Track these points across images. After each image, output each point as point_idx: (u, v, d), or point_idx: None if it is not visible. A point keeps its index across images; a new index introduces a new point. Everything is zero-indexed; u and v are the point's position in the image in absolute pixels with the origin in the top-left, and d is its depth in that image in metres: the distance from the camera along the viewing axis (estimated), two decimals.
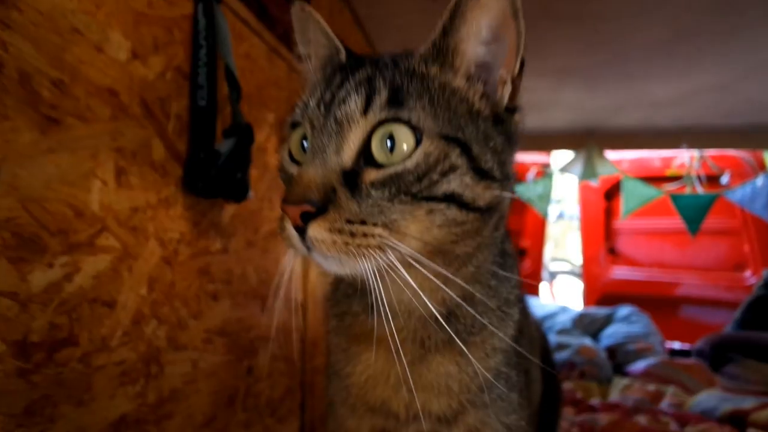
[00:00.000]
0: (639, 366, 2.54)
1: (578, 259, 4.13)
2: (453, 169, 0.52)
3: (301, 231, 0.51)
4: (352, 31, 1.75)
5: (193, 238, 0.87)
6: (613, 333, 2.98)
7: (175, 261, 0.82)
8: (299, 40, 0.67)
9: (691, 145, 3.14)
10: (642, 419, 1.86)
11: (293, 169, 0.58)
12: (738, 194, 3.02)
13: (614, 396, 2.22)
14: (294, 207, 0.50)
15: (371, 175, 0.52)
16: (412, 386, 0.63)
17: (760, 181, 2.97)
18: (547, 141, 3.28)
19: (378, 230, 0.50)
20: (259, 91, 1.10)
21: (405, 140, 0.52)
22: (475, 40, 0.56)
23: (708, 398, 2.05)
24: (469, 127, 0.55)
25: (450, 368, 0.64)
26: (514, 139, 0.60)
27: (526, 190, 3.32)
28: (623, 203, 3.22)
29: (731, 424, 1.85)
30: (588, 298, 4.08)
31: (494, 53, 0.57)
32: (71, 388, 0.63)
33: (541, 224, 4.09)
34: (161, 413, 0.79)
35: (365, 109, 0.52)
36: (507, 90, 0.59)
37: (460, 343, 0.60)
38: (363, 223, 0.50)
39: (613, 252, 4.09)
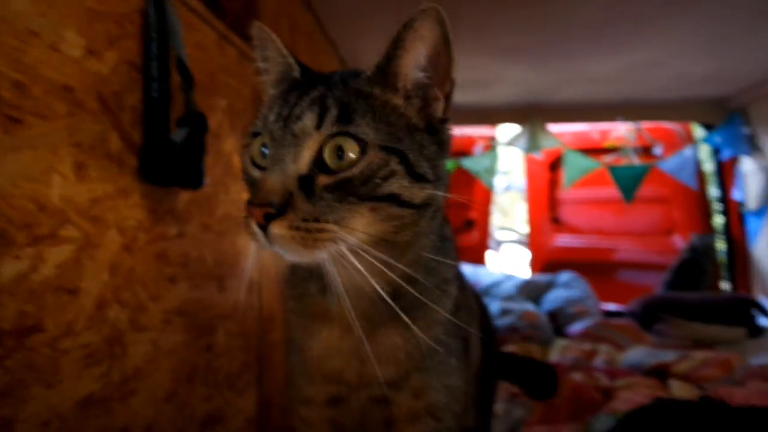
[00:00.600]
0: (576, 327, 2.74)
1: (524, 229, 4.32)
2: (393, 174, 0.62)
3: (264, 228, 0.59)
4: (301, 11, 1.77)
5: (151, 225, 0.91)
6: (554, 298, 3.18)
7: (134, 247, 0.86)
8: (258, 57, 0.76)
9: (627, 118, 3.32)
10: (578, 376, 2.04)
11: (256, 173, 0.66)
12: (669, 164, 3.24)
13: (554, 356, 2.39)
14: (258, 209, 0.59)
15: (324, 180, 0.61)
16: (370, 355, 0.70)
17: (688, 151, 3.19)
18: (493, 115, 3.39)
19: (330, 226, 0.60)
20: (211, 78, 1.13)
21: (352, 150, 0.61)
22: (413, 65, 0.66)
23: (636, 354, 2.25)
24: (407, 138, 0.64)
25: (396, 340, 0.74)
26: (446, 146, 0.71)
27: (473, 164, 3.43)
28: (565, 174, 3.39)
29: (655, 376, 2.05)
30: (534, 266, 4.29)
31: (429, 75, 0.67)
32: (41, 371, 0.68)
33: (487, 196, 4.23)
34: (125, 391, 0.84)
35: (318, 125, 0.62)
36: (440, 105, 0.69)
37: (405, 318, 0.68)
38: (317, 220, 0.59)
39: (556, 221, 4.30)
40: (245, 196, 1.24)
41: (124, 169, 0.84)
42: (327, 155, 0.61)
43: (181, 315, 0.99)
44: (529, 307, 2.97)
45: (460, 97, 2.89)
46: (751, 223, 3.10)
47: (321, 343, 0.75)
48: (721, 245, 3.46)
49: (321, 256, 0.61)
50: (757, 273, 3.29)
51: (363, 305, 0.71)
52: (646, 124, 3.55)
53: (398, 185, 0.62)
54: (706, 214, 3.63)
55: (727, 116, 3.14)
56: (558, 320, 2.95)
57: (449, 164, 3.47)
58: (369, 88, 0.66)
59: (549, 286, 3.38)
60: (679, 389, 1.85)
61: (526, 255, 4.33)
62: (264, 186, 0.60)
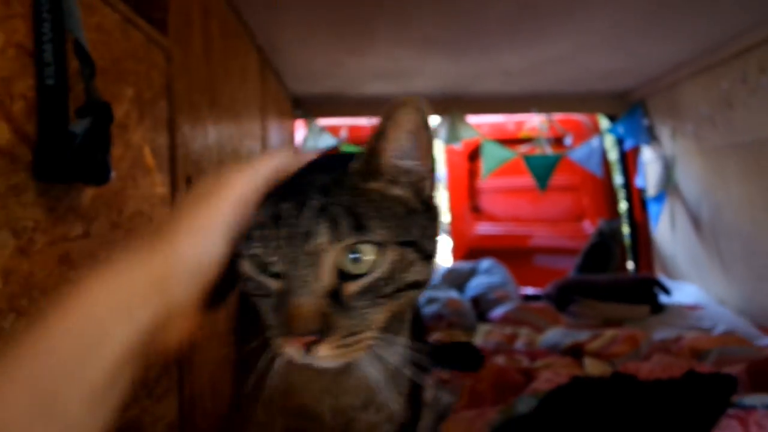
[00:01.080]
0: (498, 312, 2.84)
1: (446, 218, 4.43)
2: (411, 264, 0.63)
3: (308, 349, 0.58)
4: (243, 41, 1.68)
5: (50, 225, 0.83)
6: (476, 284, 3.28)
7: (30, 250, 0.78)
8: None
9: (540, 110, 3.48)
10: (500, 359, 2.12)
11: (269, 282, 0.62)
12: (578, 154, 3.43)
13: (478, 341, 2.47)
14: (301, 339, 0.58)
15: (350, 288, 0.60)
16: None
17: (595, 142, 3.40)
18: None
19: (367, 334, 0.61)
20: (115, 65, 1.04)
21: (370, 253, 0.60)
22: (399, 154, 0.65)
23: (553, 335, 2.37)
24: (412, 225, 0.65)
25: (370, 371, 0.76)
26: (438, 217, 0.72)
27: None
28: (483, 164, 3.50)
29: (571, 355, 2.17)
30: (456, 253, 4.41)
31: (415, 158, 0.67)
32: None
33: None
34: None
35: (333, 240, 0.59)
36: (428, 183, 0.70)
37: (383, 355, 0.72)
38: (354, 333, 0.60)
39: (476, 210, 4.44)
40: (159, 190, 1.16)
41: (17, 165, 0.76)
42: (346, 263, 0.60)
43: None
44: (453, 294, 3.05)
45: (380, 88, 2.92)
46: (652, 208, 3.35)
47: (287, 379, 0.75)
48: (625, 229, 3.71)
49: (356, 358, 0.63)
50: (657, 254, 3.57)
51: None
52: (557, 116, 3.74)
53: (416, 272, 0.64)
54: (613, 200, 3.89)
55: (628, 108, 3.37)
56: (480, 306, 3.05)
57: None
58: (364, 185, 0.64)
59: (471, 273, 3.49)
60: (592, 366, 1.97)
61: (448, 243, 4.44)
62: (299, 313, 0.58)
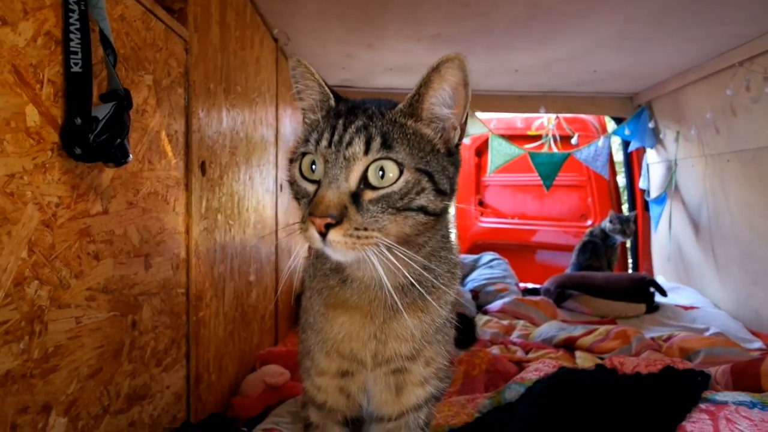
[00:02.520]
0: (497, 304, 2.90)
1: (452, 211, 4.49)
2: (423, 190, 0.78)
3: (323, 235, 0.73)
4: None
5: (72, 202, 0.90)
6: (477, 277, 3.35)
7: (54, 224, 0.85)
8: (296, 87, 0.90)
9: (548, 109, 3.52)
10: (495, 349, 2.18)
11: (308, 186, 0.80)
12: (584, 153, 3.46)
13: (477, 331, 2.53)
14: (320, 219, 0.72)
15: (369, 195, 0.75)
16: (386, 338, 0.88)
17: (600, 142, 3.43)
18: None
19: (374, 233, 0.74)
20: (136, 53, 1.11)
21: (391, 171, 0.76)
22: (438, 101, 0.81)
23: (548, 329, 2.43)
24: (433, 160, 0.80)
25: (414, 321, 0.89)
26: (459, 165, 0.87)
27: None
28: (490, 160, 3.54)
29: (565, 349, 2.23)
30: (461, 247, 4.47)
31: (450, 109, 0.82)
32: None
33: None
34: (46, 367, 0.83)
35: (366, 151, 0.76)
36: (457, 133, 0.86)
37: (423, 301, 0.88)
38: (365, 229, 0.74)
39: (481, 204, 4.49)
40: (174, 173, 1.23)
41: (44, 145, 0.83)
42: (371, 175, 0.76)
43: (105, 292, 0.99)
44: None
45: (391, 81, 2.96)
46: (653, 210, 3.39)
47: (339, 328, 0.90)
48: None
49: (364, 255, 0.75)
50: (657, 255, 3.61)
51: (383, 295, 0.86)
52: (565, 115, 3.77)
53: (426, 199, 0.78)
54: (617, 200, 3.92)
55: (634, 111, 3.39)
56: (480, 297, 3.11)
57: None
58: (403, 119, 0.80)
59: (473, 265, 3.55)
60: (583, 360, 2.03)
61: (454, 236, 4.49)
62: (323, 201, 0.73)
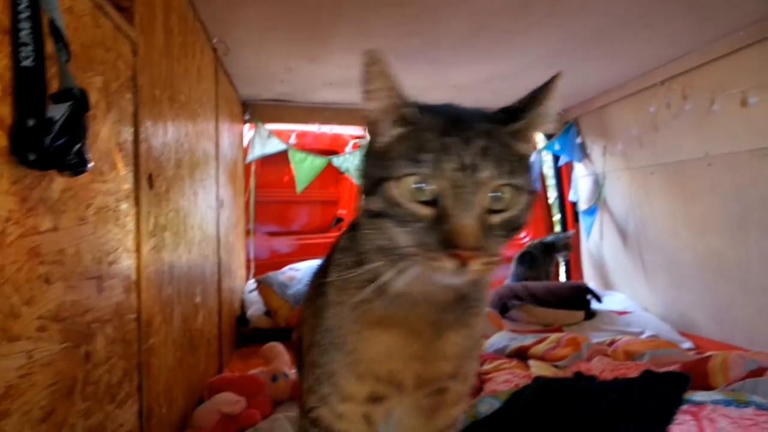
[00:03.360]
0: None
1: None
2: (527, 208, 0.76)
3: (464, 264, 0.67)
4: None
5: (22, 216, 0.77)
6: None
7: (3, 242, 0.73)
8: (368, 86, 0.78)
9: None
10: None
11: (421, 209, 0.71)
12: None
13: None
14: (468, 252, 0.67)
15: (493, 219, 0.72)
16: (433, 356, 0.83)
17: (533, 157, 3.56)
18: (351, 115, 3.45)
19: (497, 259, 0.71)
20: (85, 51, 0.99)
21: (509, 193, 0.73)
22: (542, 130, 0.83)
23: (499, 339, 2.45)
24: (531, 181, 0.79)
25: (458, 339, 0.85)
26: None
27: (343, 161, 3.47)
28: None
29: (518, 358, 2.25)
30: None
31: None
32: None
33: (356, 193, 4.30)
34: None
35: (494, 176, 0.71)
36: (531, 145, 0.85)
37: (468, 316, 0.85)
38: (495, 255, 0.70)
39: None
40: (124, 186, 1.11)
41: None
42: (492, 198, 0.72)
43: (57, 320, 0.86)
44: None
45: (330, 95, 2.91)
46: (584, 221, 3.56)
47: (379, 347, 0.83)
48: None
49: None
50: (588, 264, 3.79)
51: (431, 312, 0.82)
52: None
53: (527, 216, 0.77)
54: (548, 213, 4.08)
55: (563, 126, 3.57)
56: None
57: (321, 162, 3.48)
58: (514, 143, 0.77)
59: None
60: (538, 369, 2.05)
61: None
62: (466, 231, 0.68)
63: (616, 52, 2.47)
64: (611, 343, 2.33)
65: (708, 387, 1.63)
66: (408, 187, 0.71)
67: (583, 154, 3.54)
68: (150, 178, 1.35)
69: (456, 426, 0.96)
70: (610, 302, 3.21)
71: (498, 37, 2.30)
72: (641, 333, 2.61)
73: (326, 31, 2.19)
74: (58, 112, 0.80)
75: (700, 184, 2.60)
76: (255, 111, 3.35)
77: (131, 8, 1.26)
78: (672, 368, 1.76)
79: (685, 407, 1.11)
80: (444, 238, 0.68)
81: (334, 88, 3.07)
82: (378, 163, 0.76)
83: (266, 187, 3.70)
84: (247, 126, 3.44)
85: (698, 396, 1.15)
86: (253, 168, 3.48)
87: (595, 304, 3.09)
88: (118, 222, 1.13)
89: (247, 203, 3.46)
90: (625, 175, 3.18)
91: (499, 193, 0.72)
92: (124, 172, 1.17)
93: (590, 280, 3.70)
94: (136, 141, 1.25)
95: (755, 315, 2.35)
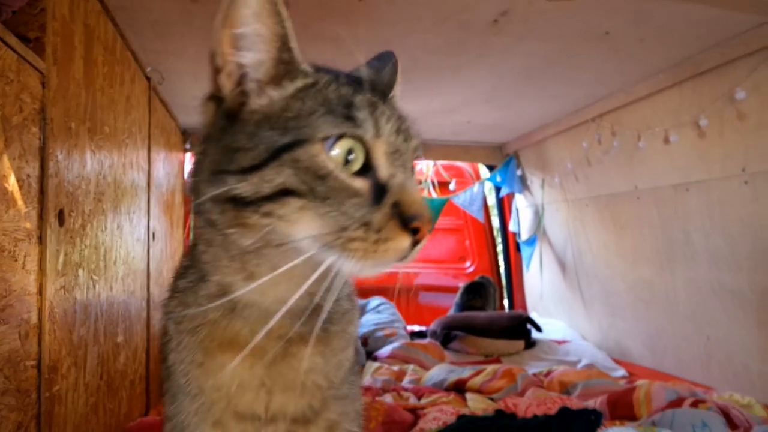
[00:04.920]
0: (386, 350, 2.88)
1: None
2: None
3: (417, 240, 0.57)
4: (100, 20, 1.60)
5: None
6: (365, 322, 3.31)
7: None
8: (242, 30, 0.63)
9: (427, 156, 3.67)
10: (388, 397, 2.13)
11: (357, 183, 0.58)
12: (461, 198, 3.64)
13: (367, 379, 2.47)
14: (425, 224, 0.56)
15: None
16: (271, 386, 0.64)
17: (476, 188, 3.64)
18: None
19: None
20: None
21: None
22: None
23: (438, 372, 2.44)
24: None
25: (316, 360, 0.67)
26: None
27: None
28: None
29: (455, 391, 2.24)
30: None
31: None
32: None
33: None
34: None
35: (418, 141, 0.67)
36: None
37: (326, 331, 0.66)
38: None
39: None
40: (25, 224, 1.05)
41: None
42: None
43: None
44: None
45: None
46: (524, 251, 3.64)
47: (230, 377, 0.64)
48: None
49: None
50: (529, 293, 3.86)
51: (281, 323, 0.61)
52: (442, 162, 3.96)
53: None
54: (492, 243, 4.15)
55: (504, 159, 3.66)
56: (369, 344, 3.07)
57: None
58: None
59: (362, 311, 3.51)
60: (474, 402, 2.05)
61: None
62: (417, 199, 0.58)
63: (546, 90, 2.57)
64: (548, 373, 2.36)
65: (633, 417, 1.68)
66: (342, 153, 0.57)
67: (524, 186, 3.64)
68: (60, 215, 1.28)
69: None
70: (550, 331, 3.27)
71: (433, 74, 2.36)
72: (578, 362, 2.66)
73: None
74: None
75: (630, 216, 2.71)
76: (196, 140, 3.29)
77: (41, 39, 1.22)
78: (600, 399, 1.79)
79: None
80: (395, 212, 0.56)
81: None
82: (270, 127, 0.58)
83: None
84: (189, 155, 3.37)
85: (611, 431, 1.17)
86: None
87: (535, 334, 3.13)
88: (15, 263, 1.07)
89: (187, 233, 3.36)
90: (563, 207, 3.28)
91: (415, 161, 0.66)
92: (25, 209, 1.11)
93: (532, 308, 3.77)
94: (43, 176, 1.20)
95: (682, 342, 2.43)
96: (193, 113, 3.01)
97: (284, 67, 0.63)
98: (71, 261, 1.35)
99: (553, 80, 2.41)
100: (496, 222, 4.14)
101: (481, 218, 3.68)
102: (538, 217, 3.51)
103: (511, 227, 3.80)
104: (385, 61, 0.79)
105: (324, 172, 0.56)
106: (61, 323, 1.28)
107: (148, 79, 2.24)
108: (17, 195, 1.08)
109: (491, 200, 4.08)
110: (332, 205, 0.55)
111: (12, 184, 1.07)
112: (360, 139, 0.58)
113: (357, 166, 0.58)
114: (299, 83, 0.63)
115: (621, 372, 2.59)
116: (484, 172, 3.93)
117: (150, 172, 2.27)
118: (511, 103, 2.82)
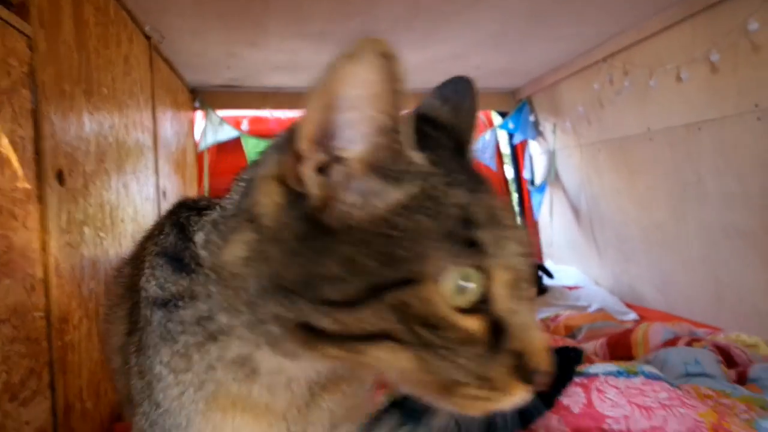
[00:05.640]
0: None
1: None
2: None
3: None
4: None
5: None
6: None
7: None
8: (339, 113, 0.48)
9: None
10: None
11: (468, 322, 0.45)
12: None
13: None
14: (547, 378, 0.46)
15: None
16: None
17: (488, 135, 3.59)
18: (303, 100, 3.42)
19: None
20: None
21: None
22: None
23: None
24: None
25: (336, 397, 0.61)
26: None
27: None
28: None
29: None
30: None
31: None
32: None
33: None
34: None
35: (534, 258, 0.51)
36: None
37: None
38: None
39: None
40: (22, 185, 1.10)
41: None
42: None
43: None
44: None
45: (280, 80, 2.89)
46: (534, 198, 3.61)
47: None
48: None
49: None
50: (544, 239, 3.85)
51: (301, 391, 0.58)
52: None
53: None
54: (506, 191, 4.12)
55: (516, 105, 3.58)
56: None
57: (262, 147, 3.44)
58: None
59: None
60: None
61: None
62: (543, 347, 0.47)
63: (556, 31, 2.48)
64: (555, 318, 2.39)
65: (630, 357, 1.69)
66: (452, 290, 0.44)
67: (537, 132, 3.57)
68: (60, 175, 1.34)
69: None
70: (563, 277, 3.28)
71: (436, 19, 2.29)
72: (588, 307, 2.68)
73: (259, 16, 2.17)
74: None
75: (643, 159, 2.65)
76: (205, 98, 3.32)
77: (25, 3, 1.23)
78: (600, 341, 1.81)
79: (577, 380, 1.15)
80: (518, 364, 0.46)
81: (282, 72, 3.04)
82: (369, 252, 0.44)
83: (222, 174, 3.68)
84: (200, 113, 3.40)
85: (593, 368, 1.20)
86: (206, 156, 3.45)
87: (546, 280, 3.15)
88: (15, 222, 1.13)
89: (201, 192, 3.44)
90: (576, 153, 3.22)
91: None
92: (21, 171, 1.16)
93: (547, 256, 3.77)
94: (37, 138, 1.24)
95: (694, 285, 2.42)
96: (198, 71, 3.03)
97: (392, 164, 0.46)
98: (75, 219, 1.41)
99: (563, 19, 2.32)
100: (510, 172, 4.08)
101: (493, 166, 3.64)
102: (550, 163, 3.46)
103: (525, 174, 3.76)
104: (461, 93, 0.61)
105: (435, 319, 0.44)
106: (69, 278, 1.35)
107: (148, 38, 2.25)
108: (12, 156, 1.13)
109: (505, 149, 4.02)
110: (439, 353, 0.44)
111: (5, 146, 1.11)
112: (479, 266, 0.45)
113: (471, 299, 0.45)
114: (408, 188, 0.46)
115: (632, 315, 2.60)
116: (497, 120, 3.86)
117: (156, 132, 2.31)
118: (520, 46, 2.73)
